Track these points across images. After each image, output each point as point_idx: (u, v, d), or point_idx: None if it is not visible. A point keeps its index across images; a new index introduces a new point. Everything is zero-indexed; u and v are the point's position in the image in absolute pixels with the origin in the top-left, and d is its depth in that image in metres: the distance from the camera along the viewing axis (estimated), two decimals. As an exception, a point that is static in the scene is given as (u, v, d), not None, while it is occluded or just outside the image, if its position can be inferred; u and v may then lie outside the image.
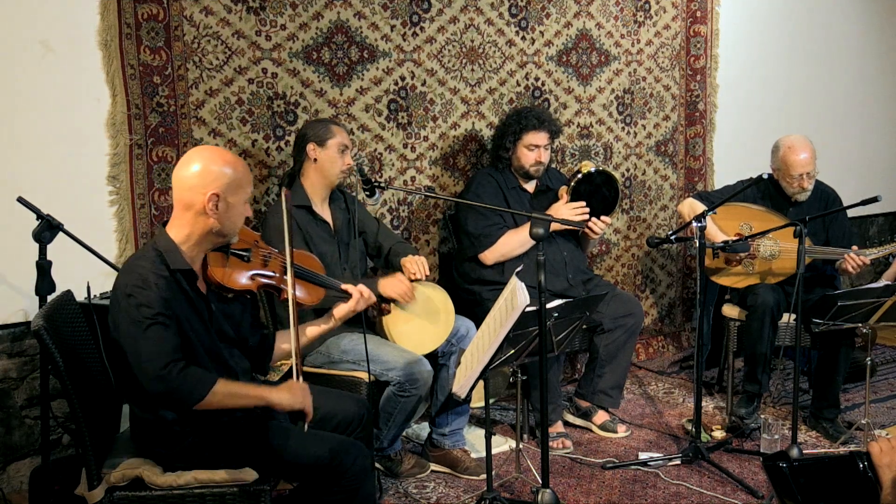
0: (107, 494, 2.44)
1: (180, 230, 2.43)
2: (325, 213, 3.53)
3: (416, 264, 3.44)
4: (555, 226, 3.83)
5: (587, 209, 3.92)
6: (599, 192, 3.96)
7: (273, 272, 2.60)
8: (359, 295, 2.75)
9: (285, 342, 2.74)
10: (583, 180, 3.93)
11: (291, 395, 2.43)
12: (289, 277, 2.54)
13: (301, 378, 2.48)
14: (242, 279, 2.53)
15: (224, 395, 2.35)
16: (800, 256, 3.48)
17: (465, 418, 3.75)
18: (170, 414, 2.43)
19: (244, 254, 2.54)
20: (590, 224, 3.94)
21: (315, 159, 3.46)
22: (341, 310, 2.73)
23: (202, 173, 2.39)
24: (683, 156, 5.25)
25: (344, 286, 2.77)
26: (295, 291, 2.55)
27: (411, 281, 3.42)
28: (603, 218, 3.97)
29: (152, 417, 2.44)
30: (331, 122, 3.55)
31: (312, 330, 2.76)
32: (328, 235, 3.50)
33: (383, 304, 2.95)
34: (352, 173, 3.54)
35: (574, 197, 3.93)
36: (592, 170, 3.93)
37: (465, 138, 4.40)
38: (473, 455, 3.74)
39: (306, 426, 2.43)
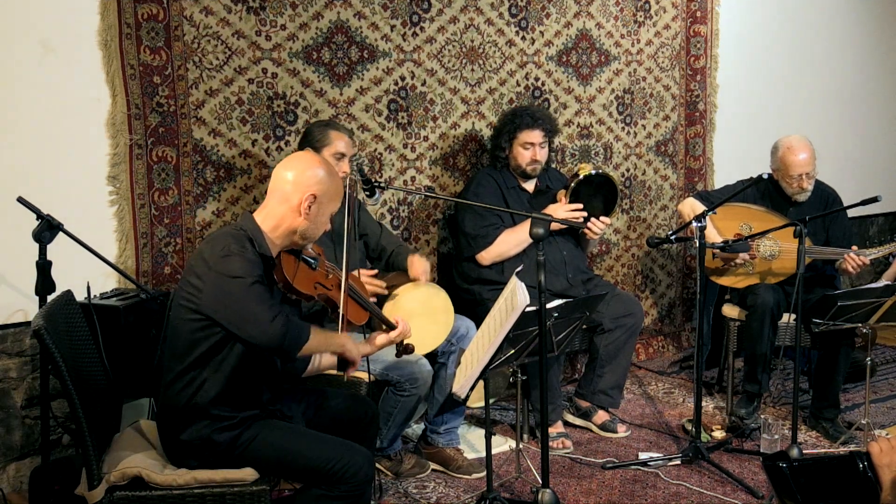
0: (107, 494, 2.44)
1: (269, 220, 2.53)
2: None
3: (424, 265, 3.50)
4: (554, 226, 3.83)
5: (584, 213, 3.92)
6: (598, 194, 3.96)
7: (331, 286, 2.70)
8: (404, 328, 2.83)
9: (322, 357, 2.81)
10: (582, 182, 3.92)
11: (357, 347, 2.65)
12: (343, 273, 2.68)
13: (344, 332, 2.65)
14: (307, 284, 2.63)
15: (318, 341, 2.50)
16: (800, 256, 3.48)
17: (461, 417, 3.75)
18: (211, 394, 2.44)
19: (312, 261, 2.67)
20: (589, 224, 3.94)
21: None
22: (380, 339, 2.79)
23: (309, 174, 2.53)
24: (683, 156, 5.25)
25: (392, 319, 2.85)
26: (347, 278, 2.70)
27: (411, 279, 3.46)
28: (602, 219, 3.97)
29: (190, 398, 2.45)
30: (331, 128, 3.52)
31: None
32: (327, 239, 3.49)
33: (406, 342, 2.98)
34: (350, 176, 3.52)
35: (573, 199, 3.93)
36: (591, 172, 3.93)
37: (465, 138, 4.40)
38: (472, 455, 3.74)
39: (346, 376, 2.66)
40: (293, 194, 2.51)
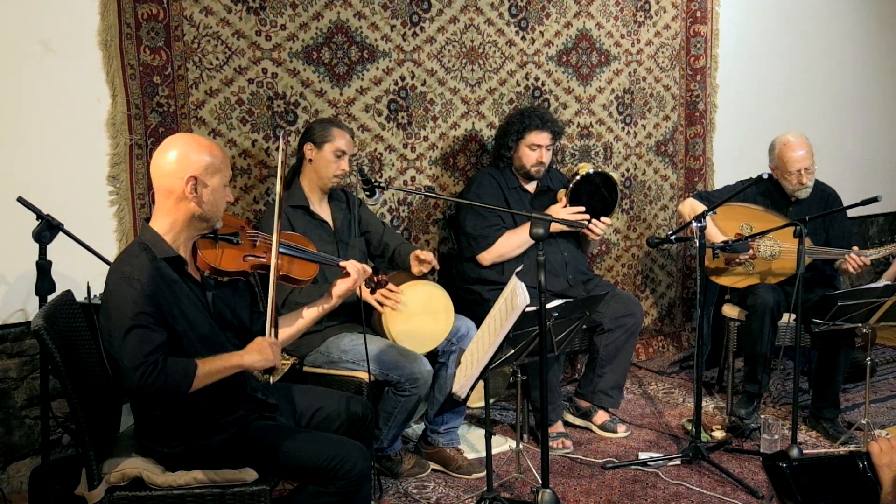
0: (107, 494, 2.44)
1: (164, 220, 2.45)
2: (323, 212, 3.53)
3: (428, 254, 3.48)
4: (555, 227, 3.83)
5: (586, 215, 3.92)
6: (598, 193, 3.96)
7: (262, 253, 2.63)
8: (357, 270, 2.77)
9: (288, 328, 2.76)
10: (581, 182, 3.93)
11: (262, 356, 2.45)
12: (274, 244, 2.58)
13: (274, 333, 2.51)
14: (234, 261, 2.56)
15: (206, 374, 2.36)
16: (800, 256, 3.48)
17: (461, 417, 3.75)
18: (179, 411, 2.42)
19: (232, 237, 2.58)
20: (590, 225, 3.94)
21: (310, 159, 3.48)
22: (339, 287, 2.75)
23: (179, 159, 2.41)
24: (683, 156, 5.25)
25: (342, 263, 2.79)
26: (277, 258, 2.58)
27: (419, 276, 3.47)
28: (603, 219, 3.97)
29: (153, 415, 2.45)
30: (334, 125, 3.53)
31: (312, 311, 2.77)
32: (327, 235, 3.50)
33: (378, 276, 2.96)
34: (350, 175, 3.54)
35: (573, 198, 3.93)
36: (590, 171, 3.93)
37: (465, 138, 4.40)
38: (472, 455, 3.74)
39: (272, 379, 2.50)
40: (174, 184, 2.40)
